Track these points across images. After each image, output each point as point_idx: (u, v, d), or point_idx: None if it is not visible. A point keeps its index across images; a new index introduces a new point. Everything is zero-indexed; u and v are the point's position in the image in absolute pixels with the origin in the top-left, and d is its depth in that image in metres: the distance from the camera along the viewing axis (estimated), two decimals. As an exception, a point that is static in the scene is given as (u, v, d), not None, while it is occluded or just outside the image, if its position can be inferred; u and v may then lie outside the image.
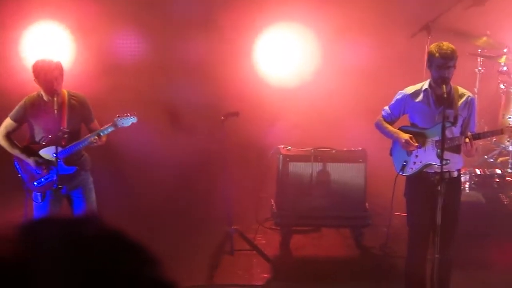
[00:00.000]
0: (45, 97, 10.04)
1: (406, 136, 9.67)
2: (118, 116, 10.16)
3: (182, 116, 14.80)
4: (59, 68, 10.01)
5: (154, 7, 15.05)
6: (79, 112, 10.23)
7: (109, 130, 10.14)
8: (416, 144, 9.64)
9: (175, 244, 11.25)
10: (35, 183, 10.20)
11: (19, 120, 10.22)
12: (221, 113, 12.15)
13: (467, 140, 9.48)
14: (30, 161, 10.13)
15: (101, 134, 10.08)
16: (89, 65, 14.02)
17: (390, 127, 9.90)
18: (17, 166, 10.30)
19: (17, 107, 10.26)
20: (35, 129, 10.24)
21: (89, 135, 10.13)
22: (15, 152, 10.25)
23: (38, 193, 10.21)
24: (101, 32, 14.55)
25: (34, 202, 10.29)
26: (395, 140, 9.88)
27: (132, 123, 10.27)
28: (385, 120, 9.97)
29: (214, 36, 14.96)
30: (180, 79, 14.95)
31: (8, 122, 10.25)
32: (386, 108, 9.98)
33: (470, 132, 9.60)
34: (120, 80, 14.43)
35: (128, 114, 10.20)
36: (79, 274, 1.99)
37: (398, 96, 9.88)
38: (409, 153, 9.72)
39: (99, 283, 2.01)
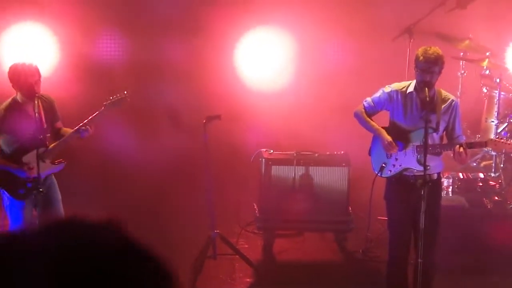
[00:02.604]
0: (20, 101, 10.09)
1: (389, 138, 9.75)
2: (107, 101, 10.32)
3: (166, 119, 14.88)
4: (39, 72, 10.06)
5: (138, 10, 15.13)
6: (50, 111, 10.32)
7: (99, 116, 10.24)
8: (397, 148, 9.75)
9: (156, 248, 11.28)
10: (19, 191, 10.14)
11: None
12: (203, 116, 12.09)
13: (461, 149, 9.59)
14: (23, 169, 10.08)
15: (89, 121, 10.17)
16: (72, 67, 14.10)
17: (372, 122, 9.99)
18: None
19: None
20: (7, 138, 10.17)
21: (76, 127, 10.13)
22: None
23: (20, 200, 10.16)
24: (84, 34, 14.60)
25: (8, 199, 10.25)
26: (376, 138, 9.96)
27: (123, 101, 10.40)
28: (366, 112, 10.00)
29: (196, 40, 15.06)
30: (163, 82, 15.07)
31: None
32: (369, 99, 10.01)
33: (459, 140, 9.76)
34: (103, 82, 14.49)
35: (118, 95, 10.37)
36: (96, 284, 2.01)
37: (385, 89, 9.95)
38: (389, 155, 9.82)
39: None
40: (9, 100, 10.15)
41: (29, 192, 10.10)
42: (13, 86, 10.04)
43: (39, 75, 10.06)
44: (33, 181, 10.07)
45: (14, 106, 10.10)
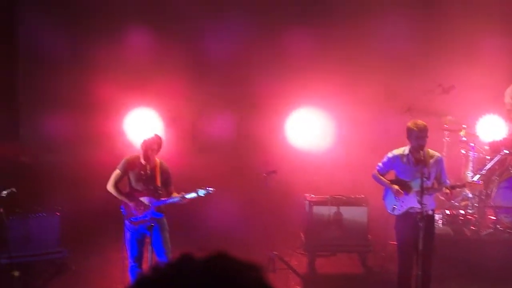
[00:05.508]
0: (142, 160, 10.31)
1: (397, 186, 10.00)
2: (200, 188, 10.30)
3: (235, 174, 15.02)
4: (157, 142, 10.32)
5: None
6: (165, 176, 10.47)
7: (191, 196, 10.29)
8: (403, 193, 9.96)
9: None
10: (131, 219, 10.35)
11: (123, 170, 10.38)
12: (263, 171, 12.39)
13: (447, 191, 9.84)
14: (132, 204, 10.33)
15: (186, 196, 10.26)
16: (177, 142, 14.22)
17: (384, 179, 10.20)
18: (122, 206, 10.41)
19: (122, 161, 10.46)
20: (132, 181, 10.39)
21: (177, 195, 10.30)
22: (121, 197, 10.38)
23: (132, 225, 10.36)
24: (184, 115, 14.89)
25: (127, 230, 10.41)
26: (388, 189, 10.19)
27: (209, 194, 10.34)
28: (379, 173, 10.29)
29: (256, 115, 15.30)
30: (238, 149, 15.24)
31: (116, 172, 10.40)
32: (380, 164, 10.23)
33: (445, 184, 9.98)
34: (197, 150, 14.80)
35: (208, 187, 10.34)
36: None
37: (389, 155, 10.18)
38: (397, 198, 10.00)
39: None
40: (136, 155, 10.47)
41: (138, 222, 10.33)
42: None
43: (157, 146, 10.33)
44: (138, 217, 10.34)
45: (135, 161, 10.37)
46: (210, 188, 10.35)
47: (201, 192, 10.31)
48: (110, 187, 10.43)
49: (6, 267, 11.48)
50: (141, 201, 10.34)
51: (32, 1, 15.46)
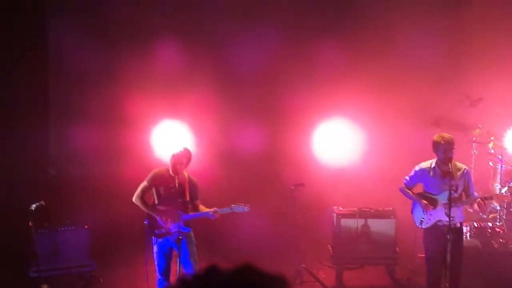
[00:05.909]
0: (171, 173, 10.31)
1: (425, 201, 10.02)
2: (234, 204, 10.30)
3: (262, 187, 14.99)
4: (186, 156, 10.33)
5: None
6: (192, 190, 10.47)
7: (225, 211, 10.26)
8: (432, 207, 9.97)
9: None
10: (156, 231, 10.35)
11: (151, 183, 10.38)
12: (291, 184, 12.43)
13: (482, 202, 9.84)
14: (159, 217, 10.25)
15: (218, 211, 10.25)
16: (205, 154, 14.25)
17: (411, 193, 10.23)
18: (146, 219, 10.38)
19: (150, 174, 10.47)
20: (160, 194, 10.38)
21: (208, 209, 10.30)
22: (147, 210, 10.35)
23: (156, 238, 10.35)
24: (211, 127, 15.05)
25: (154, 244, 10.39)
26: (416, 203, 10.20)
27: (244, 212, 10.36)
28: (406, 187, 10.31)
29: (286, 127, 15.30)
30: (267, 161, 15.27)
31: (143, 184, 10.39)
32: (407, 177, 10.25)
33: (473, 196, 9.97)
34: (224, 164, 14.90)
35: (243, 204, 10.32)
36: None
37: (416, 169, 10.21)
38: (425, 212, 10.02)
39: None
40: (164, 167, 10.48)
41: (167, 234, 10.34)
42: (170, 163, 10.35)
43: (187, 160, 10.34)
44: (164, 229, 10.33)
45: (164, 174, 10.36)
46: (243, 205, 10.35)
47: (235, 208, 10.32)
48: (136, 198, 10.44)
49: (35, 280, 11.60)
50: (169, 214, 10.33)
51: (62, 16, 15.57)
